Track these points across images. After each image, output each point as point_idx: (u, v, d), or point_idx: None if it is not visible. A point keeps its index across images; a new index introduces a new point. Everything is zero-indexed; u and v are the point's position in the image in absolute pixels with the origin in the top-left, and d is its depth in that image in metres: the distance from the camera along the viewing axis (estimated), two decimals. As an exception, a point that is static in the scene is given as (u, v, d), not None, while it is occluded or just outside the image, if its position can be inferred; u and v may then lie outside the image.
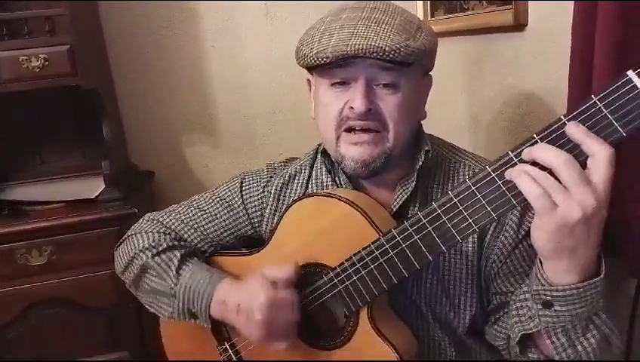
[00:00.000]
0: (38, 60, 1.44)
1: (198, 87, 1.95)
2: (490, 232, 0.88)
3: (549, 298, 0.69)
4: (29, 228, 1.47)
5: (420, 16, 1.73)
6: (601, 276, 0.66)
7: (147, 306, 1.00)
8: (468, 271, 0.89)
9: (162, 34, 1.89)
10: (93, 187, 1.63)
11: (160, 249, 0.95)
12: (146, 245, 0.97)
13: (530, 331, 0.74)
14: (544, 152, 0.62)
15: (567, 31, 1.04)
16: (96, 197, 1.57)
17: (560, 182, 0.61)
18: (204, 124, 1.99)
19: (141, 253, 0.96)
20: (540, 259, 0.69)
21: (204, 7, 1.88)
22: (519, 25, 1.30)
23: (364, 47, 0.78)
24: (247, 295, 0.86)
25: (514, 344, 0.78)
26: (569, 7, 1.03)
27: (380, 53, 0.78)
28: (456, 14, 1.57)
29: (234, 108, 1.99)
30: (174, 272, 0.93)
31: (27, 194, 1.66)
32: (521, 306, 0.77)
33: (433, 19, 1.71)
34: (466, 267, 0.89)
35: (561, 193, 0.60)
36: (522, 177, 0.63)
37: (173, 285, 0.92)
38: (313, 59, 0.82)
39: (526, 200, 0.64)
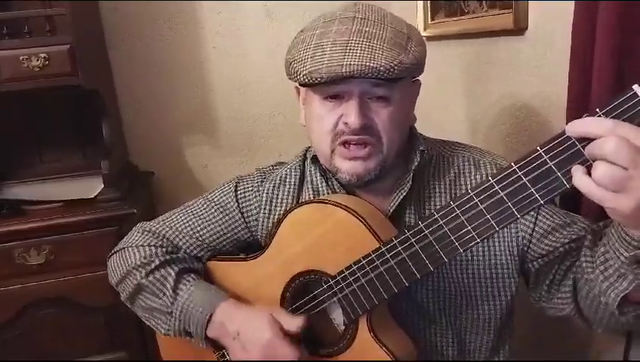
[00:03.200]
0: (38, 60, 1.44)
1: (199, 88, 1.96)
2: None
3: None
4: (27, 228, 1.47)
5: (421, 19, 1.73)
6: None
7: (144, 320, 0.99)
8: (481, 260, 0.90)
9: (163, 34, 1.89)
10: (92, 187, 1.62)
11: (153, 266, 0.94)
12: (138, 262, 0.95)
13: (627, 290, 0.70)
14: (593, 125, 0.58)
15: (567, 35, 1.04)
16: (95, 197, 1.57)
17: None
18: (204, 124, 1.99)
19: (134, 271, 0.95)
20: (616, 228, 0.67)
21: (205, 7, 1.89)
22: (519, 28, 1.30)
23: (359, 69, 0.77)
24: (250, 326, 0.85)
25: (612, 309, 0.74)
26: (569, 11, 1.03)
27: (375, 74, 0.78)
28: (457, 17, 1.57)
29: (234, 109, 1.99)
30: (171, 292, 0.91)
31: (26, 194, 1.65)
32: (605, 269, 0.73)
33: (433, 22, 1.71)
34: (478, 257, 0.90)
35: (623, 183, 0.56)
36: (584, 182, 0.59)
37: (169, 304, 0.91)
38: (307, 78, 0.80)
39: (529, 210, 0.64)
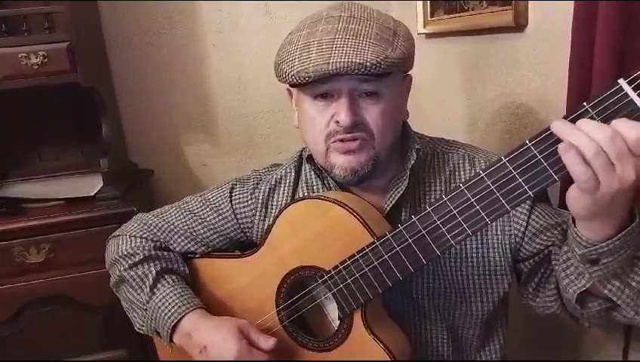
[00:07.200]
0: (37, 57, 1.44)
1: (198, 86, 1.95)
2: None
3: (595, 256, 0.68)
4: (27, 226, 1.47)
5: (420, 16, 1.73)
6: (638, 220, 0.66)
7: (125, 310, 1.00)
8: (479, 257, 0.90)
9: (162, 32, 1.89)
10: (91, 185, 1.62)
11: (136, 259, 0.96)
12: (125, 252, 0.97)
13: (585, 288, 0.74)
14: (587, 125, 0.59)
15: (567, 32, 1.04)
16: (95, 195, 1.57)
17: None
18: (204, 122, 1.99)
19: (120, 260, 0.97)
20: (573, 221, 0.69)
21: (204, 5, 1.88)
22: (519, 25, 1.29)
23: (345, 66, 0.77)
24: (217, 340, 0.85)
25: (573, 304, 0.78)
26: (569, 8, 1.03)
27: (362, 70, 0.78)
28: (456, 14, 1.57)
29: (233, 107, 1.99)
30: (148, 289, 0.93)
31: (25, 192, 1.65)
32: (567, 266, 0.77)
33: (433, 19, 1.71)
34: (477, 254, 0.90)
35: (606, 171, 0.59)
36: (570, 156, 0.60)
37: (145, 302, 0.93)
38: (295, 78, 0.81)
39: (519, 203, 0.66)
